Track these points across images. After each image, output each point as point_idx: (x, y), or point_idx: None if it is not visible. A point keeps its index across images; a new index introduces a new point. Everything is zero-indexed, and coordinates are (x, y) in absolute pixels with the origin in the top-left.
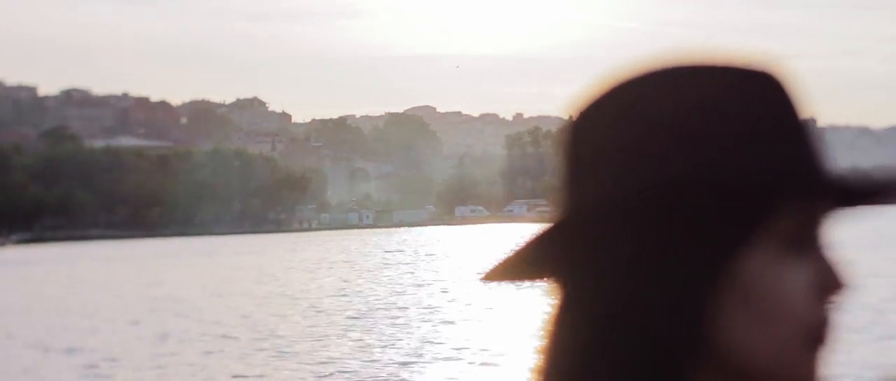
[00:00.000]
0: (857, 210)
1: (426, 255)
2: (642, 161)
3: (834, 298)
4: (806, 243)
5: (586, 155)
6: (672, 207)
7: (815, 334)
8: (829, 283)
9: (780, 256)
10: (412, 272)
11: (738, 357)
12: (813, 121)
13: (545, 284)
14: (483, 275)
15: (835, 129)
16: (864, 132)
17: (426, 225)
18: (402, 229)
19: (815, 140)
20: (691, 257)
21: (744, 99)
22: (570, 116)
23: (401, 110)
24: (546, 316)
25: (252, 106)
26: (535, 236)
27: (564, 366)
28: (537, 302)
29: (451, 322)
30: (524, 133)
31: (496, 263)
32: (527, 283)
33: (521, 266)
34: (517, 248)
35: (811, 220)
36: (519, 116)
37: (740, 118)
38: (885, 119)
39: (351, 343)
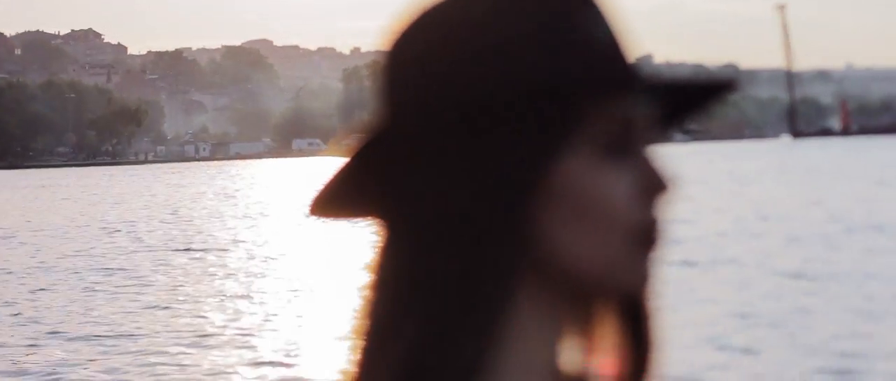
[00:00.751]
0: (677, 116)
1: (258, 186)
2: (455, 73)
3: (658, 200)
4: (627, 147)
5: (401, 73)
6: (486, 115)
7: (640, 236)
8: (652, 185)
9: (600, 159)
10: (238, 205)
11: (563, 263)
12: (625, 30)
13: (369, 217)
14: (310, 208)
15: (671, 65)
16: (699, 70)
17: (263, 157)
18: (239, 161)
19: (628, 47)
20: (509, 165)
21: (554, 5)
22: (388, 37)
23: (238, 43)
24: (373, 247)
25: (87, 37)
26: (353, 156)
27: (391, 290)
28: (365, 234)
29: (277, 258)
30: (361, 67)
31: (320, 191)
32: (353, 218)
33: (343, 192)
34: (337, 170)
35: (631, 123)
36: (356, 50)
37: (551, 23)
38: (719, 55)
39: (175, 273)
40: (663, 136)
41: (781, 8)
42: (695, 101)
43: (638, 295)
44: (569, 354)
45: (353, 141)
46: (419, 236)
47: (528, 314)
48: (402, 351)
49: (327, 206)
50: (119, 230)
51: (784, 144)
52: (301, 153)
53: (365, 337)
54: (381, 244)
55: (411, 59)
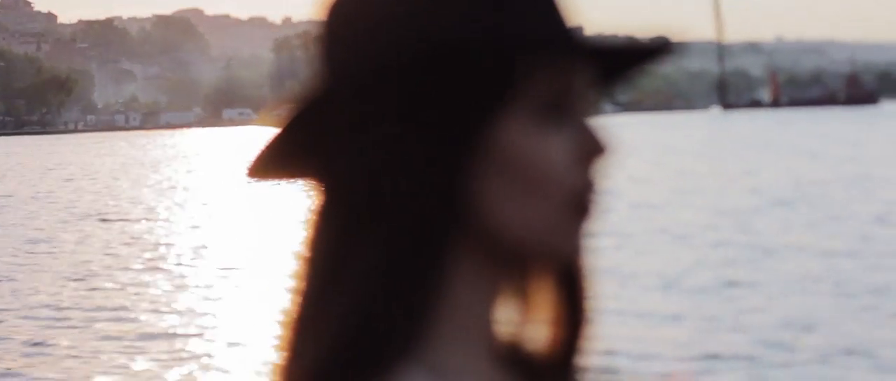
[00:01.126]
0: (615, 77)
1: (190, 156)
2: (386, 35)
3: (595, 164)
4: (565, 111)
5: (333, 38)
6: (419, 78)
7: (576, 201)
8: (589, 151)
9: (536, 122)
10: (174, 175)
11: (499, 229)
12: None
13: (306, 179)
14: (248, 170)
15: (602, 37)
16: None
17: (193, 127)
18: (169, 131)
19: (564, 8)
20: (443, 126)
21: None
22: (322, 3)
23: (168, 13)
24: (307, 215)
25: (17, 6)
26: (289, 121)
27: (324, 258)
28: (301, 201)
29: (200, 227)
30: (293, 37)
31: (256, 156)
32: (290, 180)
33: (280, 158)
34: (273, 136)
35: (567, 86)
36: (288, 19)
37: None
38: (649, 27)
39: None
40: (598, 102)
41: None
42: (631, 64)
43: (574, 263)
44: (506, 320)
45: (284, 110)
46: (353, 203)
47: (464, 281)
48: (336, 320)
49: (264, 170)
50: (36, 198)
51: (714, 116)
52: (232, 123)
53: (298, 307)
54: (315, 211)
55: (343, 23)
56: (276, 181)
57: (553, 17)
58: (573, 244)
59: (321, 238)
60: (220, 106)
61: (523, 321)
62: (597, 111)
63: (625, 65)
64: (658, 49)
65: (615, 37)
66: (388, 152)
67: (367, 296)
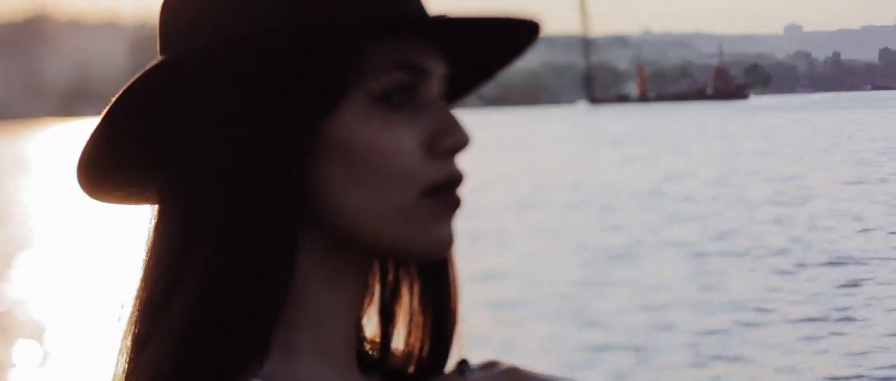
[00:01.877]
0: (474, 67)
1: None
2: (217, 22)
3: (448, 154)
4: (413, 99)
5: (171, 22)
6: (252, 64)
7: (428, 192)
8: (442, 138)
9: (377, 110)
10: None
11: (343, 220)
12: None
13: (139, 183)
14: (82, 178)
15: None
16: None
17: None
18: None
19: None
20: (279, 114)
21: None
22: None
23: (19, 19)
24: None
25: None
26: (121, 114)
27: (164, 254)
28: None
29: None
30: (149, 39)
31: (87, 155)
32: (124, 189)
33: (114, 152)
34: (99, 129)
35: (416, 72)
36: (142, 24)
37: None
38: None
39: None
40: (458, 91)
41: None
42: (493, 46)
43: (432, 260)
44: (364, 317)
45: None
46: (189, 197)
47: (315, 275)
48: (177, 318)
49: (97, 179)
50: None
51: (580, 111)
52: (86, 116)
53: (139, 308)
54: (153, 215)
55: (175, 12)
56: (114, 200)
57: (397, 2)
58: (428, 238)
59: (157, 246)
60: (73, 104)
61: (385, 320)
62: (458, 99)
63: (487, 46)
64: (522, 25)
65: (474, 17)
66: (226, 141)
67: (207, 293)
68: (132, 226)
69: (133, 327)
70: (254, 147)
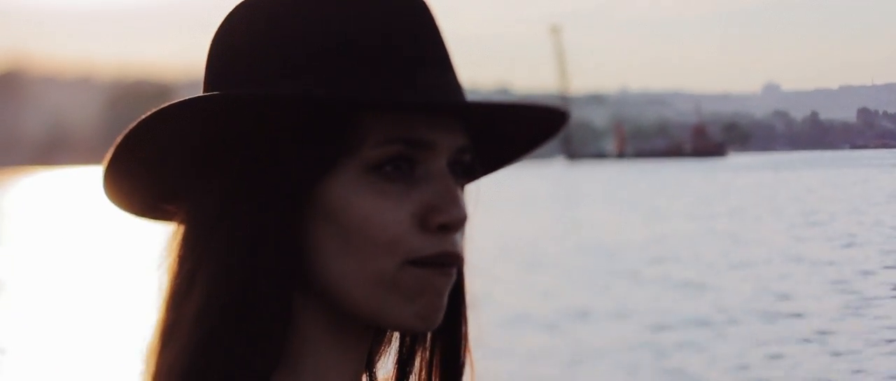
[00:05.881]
0: (493, 148)
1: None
2: (219, 85)
3: (442, 227)
4: (408, 170)
5: (210, 66)
6: (254, 123)
7: (415, 263)
8: (433, 214)
9: (370, 182)
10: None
11: (332, 283)
12: (419, 44)
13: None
14: (107, 191)
15: (476, 91)
16: (471, 92)
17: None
18: None
19: (409, 63)
20: (272, 173)
21: (323, 18)
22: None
23: None
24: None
25: None
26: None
27: (171, 289)
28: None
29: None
30: (125, 96)
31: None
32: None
33: (138, 175)
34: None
35: (415, 146)
36: (117, 81)
37: (315, 38)
38: (490, 78)
39: None
40: (466, 164)
41: (556, 31)
42: (513, 136)
43: (415, 333)
44: (380, 360)
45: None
46: (197, 234)
47: (315, 329)
48: (176, 353)
49: (122, 192)
50: None
51: (558, 167)
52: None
53: (153, 338)
54: (172, 238)
55: (211, 59)
56: (135, 213)
57: (401, 77)
58: (410, 310)
59: (171, 274)
60: (48, 154)
61: (400, 373)
62: (462, 173)
63: (510, 132)
64: (550, 112)
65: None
66: (226, 194)
67: (203, 332)
68: (112, 276)
69: (152, 341)
70: (245, 198)
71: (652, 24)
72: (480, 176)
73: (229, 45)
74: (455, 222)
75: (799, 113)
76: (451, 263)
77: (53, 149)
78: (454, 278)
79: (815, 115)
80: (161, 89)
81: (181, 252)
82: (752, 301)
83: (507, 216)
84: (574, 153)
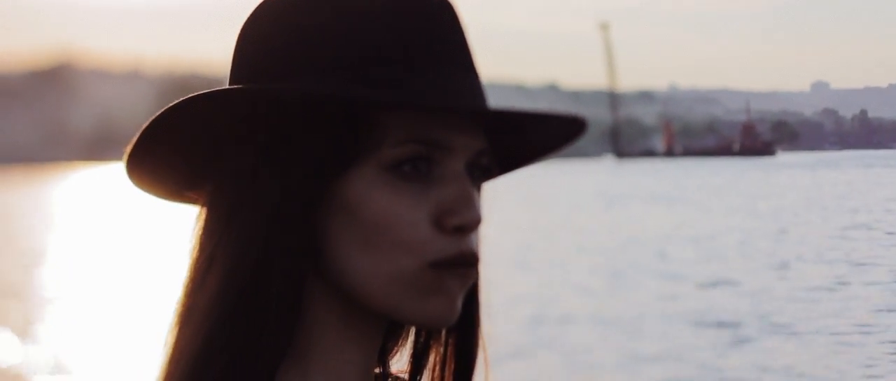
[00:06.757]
0: (513, 152)
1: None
2: (245, 78)
3: (457, 229)
4: (426, 170)
5: (238, 59)
6: (280, 122)
7: (434, 266)
8: (449, 215)
9: (387, 181)
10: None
11: (347, 277)
12: (439, 44)
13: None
14: (128, 169)
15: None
16: (519, 89)
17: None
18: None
19: (432, 64)
20: (295, 172)
21: (347, 15)
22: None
23: (45, 67)
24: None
25: None
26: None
27: (190, 271)
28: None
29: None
30: (174, 89)
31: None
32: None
33: (162, 155)
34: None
35: (430, 148)
36: (167, 74)
37: (339, 36)
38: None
39: None
40: (483, 166)
41: (604, 28)
42: (532, 140)
43: (429, 329)
44: (395, 355)
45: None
46: (216, 223)
47: (327, 320)
48: (189, 337)
49: (144, 171)
50: None
51: (607, 165)
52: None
53: (171, 322)
54: (196, 221)
55: (242, 48)
56: (156, 194)
57: (423, 77)
58: (427, 308)
59: (191, 259)
60: (97, 150)
61: (415, 367)
62: (479, 175)
63: (528, 137)
64: (569, 121)
65: (501, 91)
66: (246, 184)
67: (209, 329)
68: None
69: (173, 314)
70: (264, 189)
71: (701, 20)
72: (497, 176)
73: (256, 39)
74: (470, 224)
75: (848, 111)
76: (470, 263)
77: (102, 144)
78: (472, 278)
79: (863, 113)
80: (210, 83)
81: (201, 239)
82: (796, 301)
83: (553, 214)
84: (622, 151)
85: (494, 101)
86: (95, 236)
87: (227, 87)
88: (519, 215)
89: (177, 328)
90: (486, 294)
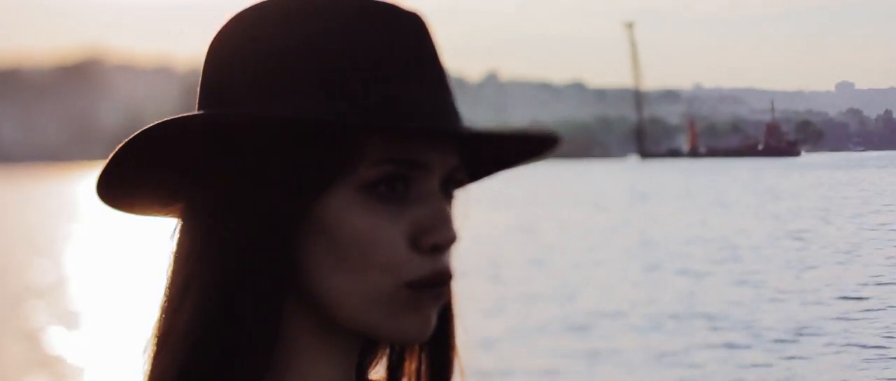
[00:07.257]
0: (482, 166)
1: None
2: (218, 98)
3: (434, 248)
4: (402, 190)
5: (207, 78)
6: (257, 142)
7: (410, 285)
8: (425, 235)
9: (364, 202)
10: None
11: (324, 296)
12: (425, 63)
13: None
14: (101, 191)
15: (515, 83)
16: (545, 87)
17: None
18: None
19: (407, 84)
20: (273, 191)
21: (320, 36)
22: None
23: (72, 62)
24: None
25: None
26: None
27: (170, 284)
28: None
29: None
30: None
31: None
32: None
33: (140, 173)
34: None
35: (406, 168)
36: (194, 69)
37: (313, 57)
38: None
39: None
40: (459, 185)
41: (629, 27)
42: (505, 154)
43: (404, 345)
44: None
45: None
46: (191, 245)
47: (304, 339)
48: (168, 361)
49: (122, 190)
50: None
51: (631, 165)
52: None
53: (150, 344)
54: (172, 239)
55: (209, 70)
56: (134, 211)
57: (399, 98)
58: (402, 326)
59: (168, 282)
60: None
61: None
62: (452, 190)
63: (500, 154)
64: (540, 139)
65: (522, 91)
66: (222, 207)
67: (187, 352)
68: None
69: (151, 337)
70: (240, 212)
71: (725, 20)
72: (467, 184)
73: (225, 59)
74: (445, 244)
75: (872, 111)
76: (445, 281)
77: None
78: (446, 296)
79: (888, 113)
80: None
81: (177, 260)
82: (820, 304)
83: (577, 214)
84: (647, 151)
85: (521, 99)
86: (121, 235)
87: (202, 112)
88: (542, 215)
89: (154, 353)
90: (499, 295)
